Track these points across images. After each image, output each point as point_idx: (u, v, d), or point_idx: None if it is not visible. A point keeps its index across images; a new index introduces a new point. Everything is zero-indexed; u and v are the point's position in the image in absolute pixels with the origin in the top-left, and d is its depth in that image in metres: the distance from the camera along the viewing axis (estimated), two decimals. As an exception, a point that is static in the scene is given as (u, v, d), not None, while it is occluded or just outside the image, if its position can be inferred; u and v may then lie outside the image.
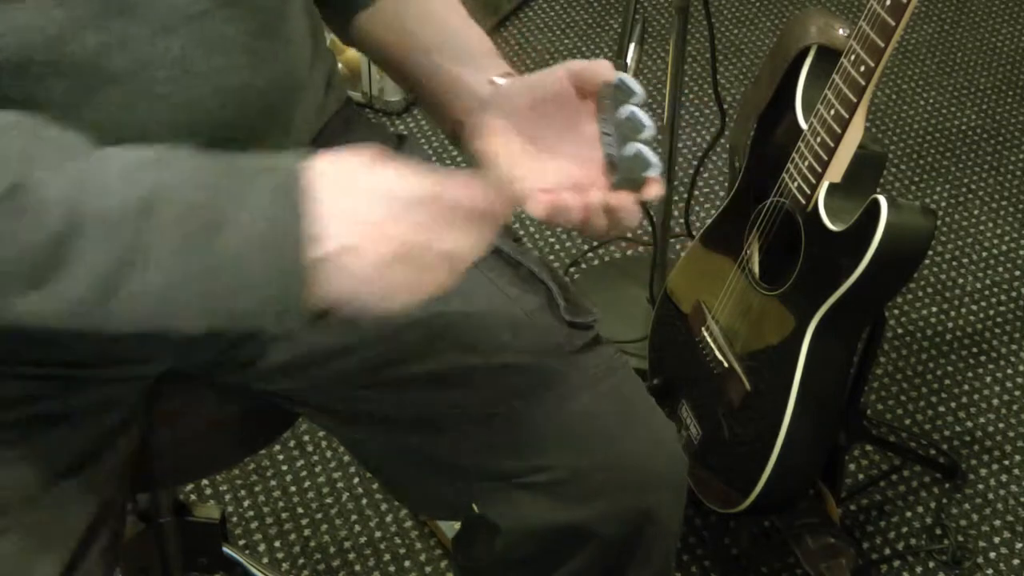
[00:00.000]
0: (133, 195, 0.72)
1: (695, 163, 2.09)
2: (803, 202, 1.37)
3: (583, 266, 2.12)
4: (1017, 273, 2.12)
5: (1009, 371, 1.95)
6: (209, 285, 0.74)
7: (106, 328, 0.76)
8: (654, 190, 0.92)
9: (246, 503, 1.75)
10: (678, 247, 2.08)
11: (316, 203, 0.74)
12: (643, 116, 0.89)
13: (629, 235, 2.17)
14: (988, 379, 1.94)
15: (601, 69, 0.93)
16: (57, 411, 0.95)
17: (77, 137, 0.76)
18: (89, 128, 0.80)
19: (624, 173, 0.90)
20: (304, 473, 1.79)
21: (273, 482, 1.78)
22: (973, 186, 2.29)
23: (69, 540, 0.92)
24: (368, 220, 0.75)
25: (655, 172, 0.90)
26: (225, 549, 1.46)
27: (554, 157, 0.95)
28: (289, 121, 0.96)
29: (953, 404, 1.90)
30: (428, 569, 1.68)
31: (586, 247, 2.14)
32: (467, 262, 0.79)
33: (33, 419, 0.93)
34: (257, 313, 0.75)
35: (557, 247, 2.16)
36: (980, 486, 1.78)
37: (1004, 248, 2.17)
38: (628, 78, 0.91)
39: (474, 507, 1.04)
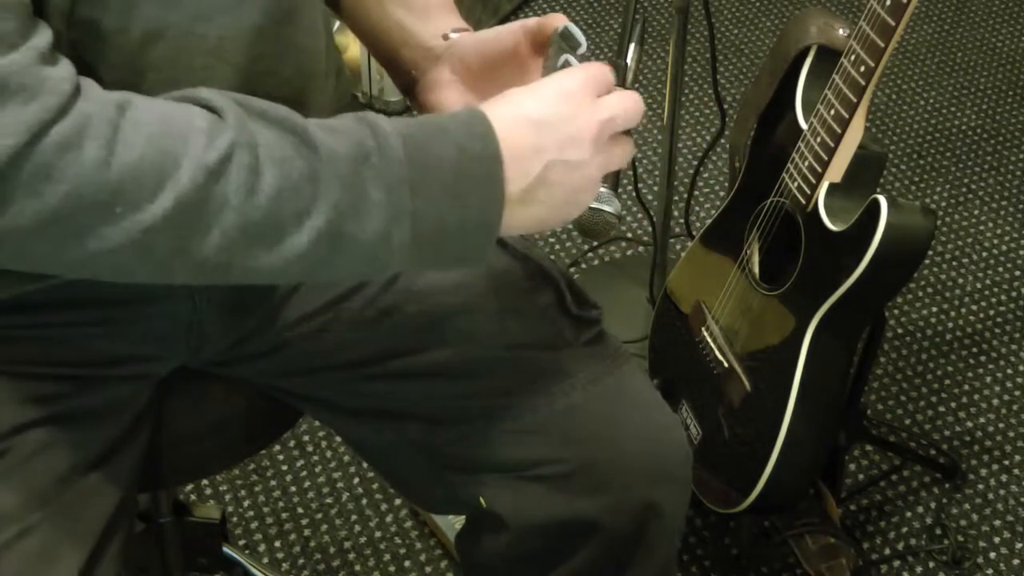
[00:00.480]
0: (353, 148, 0.77)
1: (695, 163, 2.09)
2: (803, 202, 1.37)
3: (583, 266, 2.12)
4: (1017, 273, 2.12)
5: (1009, 371, 1.95)
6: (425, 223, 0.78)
7: (325, 278, 0.81)
8: None
9: (246, 503, 1.75)
10: (678, 247, 2.08)
11: (513, 146, 0.80)
12: (576, 64, 0.91)
13: (629, 235, 2.17)
14: (988, 379, 1.94)
15: (553, 21, 0.95)
16: (72, 411, 0.95)
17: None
18: None
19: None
20: (304, 473, 1.79)
21: (273, 482, 1.78)
22: (973, 186, 2.29)
23: (88, 540, 0.92)
24: (554, 152, 0.82)
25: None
26: (225, 549, 1.46)
27: None
28: (307, 110, 0.97)
29: (953, 404, 1.90)
30: (428, 569, 1.68)
31: (586, 247, 2.14)
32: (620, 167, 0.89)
33: (51, 419, 0.93)
34: (448, 253, 0.81)
35: (557, 247, 2.16)
36: (980, 486, 1.78)
37: (1004, 248, 2.17)
38: (572, 27, 0.93)
39: (481, 501, 1.04)
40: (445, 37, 1.00)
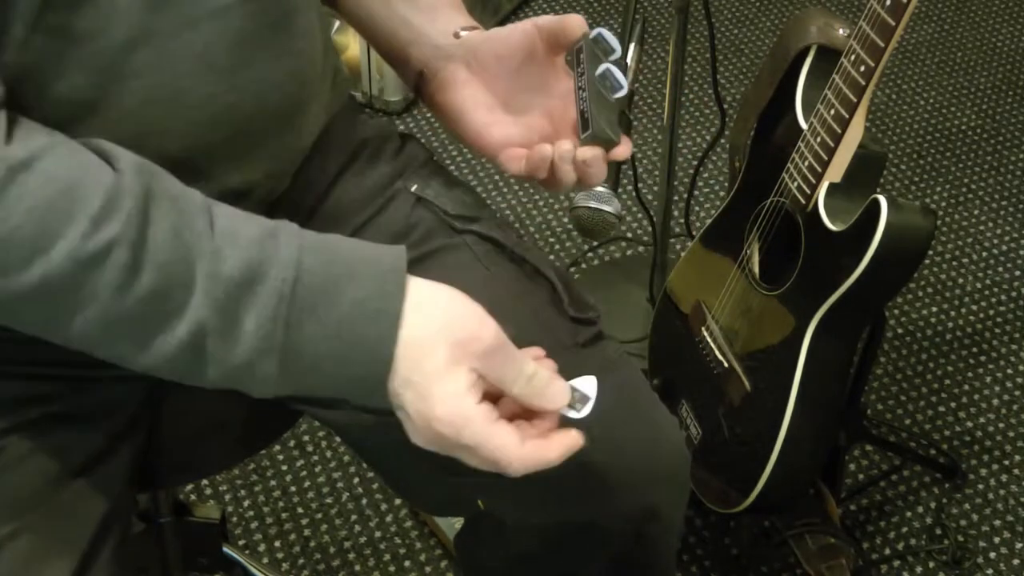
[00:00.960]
0: (241, 268, 0.75)
1: (695, 163, 2.09)
2: (803, 202, 1.37)
3: (583, 266, 2.12)
4: (1017, 273, 2.12)
5: (1009, 371, 1.95)
6: (295, 366, 0.76)
7: (190, 382, 0.78)
8: (623, 150, 0.93)
9: (246, 503, 1.75)
10: (678, 247, 2.08)
11: (401, 345, 0.76)
12: (619, 75, 0.89)
13: (629, 235, 2.17)
14: (988, 379, 1.94)
15: (572, 23, 0.93)
16: (66, 411, 0.95)
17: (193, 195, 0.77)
18: (109, 123, 0.80)
19: (595, 129, 0.91)
20: (304, 473, 1.79)
21: (273, 482, 1.78)
22: (973, 186, 2.29)
23: (80, 542, 0.92)
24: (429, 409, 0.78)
25: (623, 94, 0.91)
26: (225, 549, 1.46)
27: (521, 111, 0.95)
28: (302, 115, 0.97)
29: (953, 404, 1.90)
30: (428, 569, 1.68)
31: (586, 247, 2.14)
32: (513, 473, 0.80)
33: (43, 419, 0.93)
34: (328, 388, 0.78)
35: (557, 247, 2.16)
36: (980, 486, 1.78)
37: (1004, 248, 2.17)
38: (607, 32, 0.91)
39: (480, 503, 1.04)
40: (456, 35, 0.99)
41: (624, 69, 0.91)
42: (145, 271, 0.73)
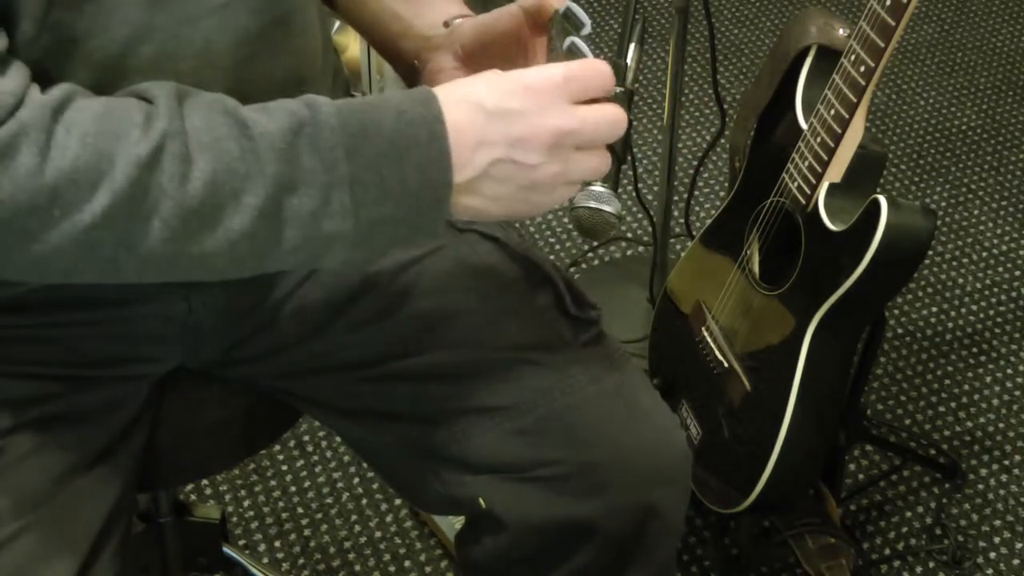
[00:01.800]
0: (286, 122, 0.77)
1: (695, 163, 2.09)
2: (803, 202, 1.37)
3: (583, 266, 2.12)
4: (1017, 273, 2.12)
5: (1009, 371, 1.95)
6: (358, 194, 0.77)
7: (266, 264, 0.79)
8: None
9: (246, 503, 1.75)
10: (678, 247, 2.08)
11: (458, 130, 0.78)
12: (584, 47, 0.90)
13: (629, 235, 2.17)
14: (988, 379, 1.94)
15: (552, 1, 0.93)
16: (68, 411, 0.95)
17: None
18: None
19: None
20: (304, 473, 1.79)
21: (273, 482, 1.78)
22: (973, 186, 2.29)
23: (82, 542, 0.92)
24: (502, 148, 0.79)
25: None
26: (225, 549, 1.47)
27: None
28: None
29: (953, 404, 1.90)
30: (428, 569, 1.68)
31: (586, 247, 2.14)
32: (585, 180, 0.86)
33: (45, 419, 0.93)
34: (399, 220, 0.79)
35: (557, 247, 2.16)
36: (980, 486, 1.78)
37: (1004, 248, 2.17)
38: (574, 7, 0.92)
39: (481, 502, 1.04)
40: (446, 24, 0.99)
41: (589, 44, 0.91)
42: (198, 155, 0.75)
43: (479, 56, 0.97)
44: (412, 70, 1.02)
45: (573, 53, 0.90)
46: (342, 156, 0.77)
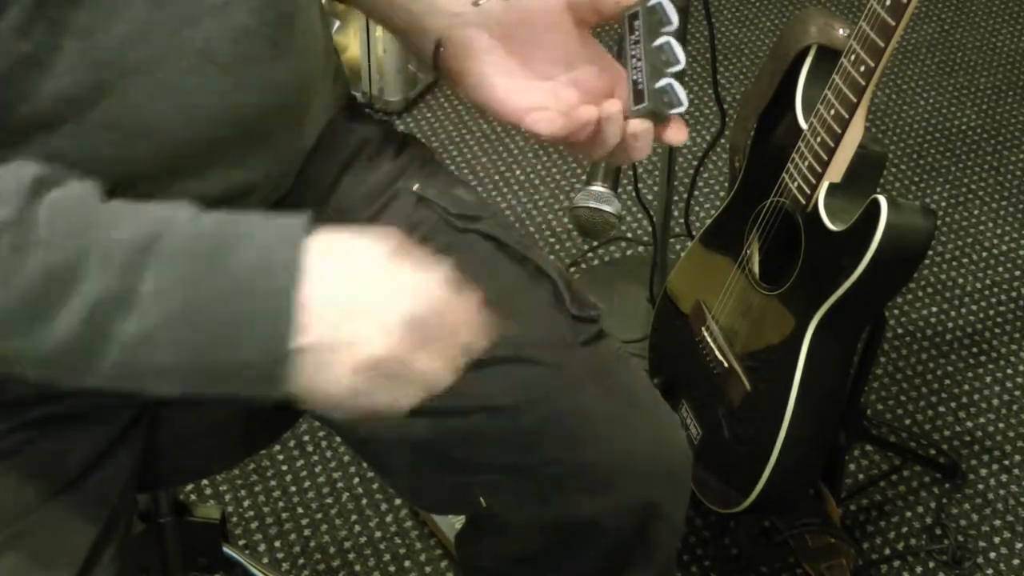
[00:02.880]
0: (138, 234, 0.72)
1: (695, 163, 2.09)
2: (803, 202, 1.37)
3: (583, 266, 2.12)
4: (1017, 273, 2.12)
5: (1009, 371, 1.95)
6: (193, 335, 0.72)
7: (83, 380, 0.74)
8: (676, 132, 0.88)
9: (246, 503, 1.75)
10: (678, 247, 2.08)
11: (313, 286, 0.72)
12: (678, 49, 0.85)
13: (629, 235, 2.17)
14: (988, 379, 1.94)
15: None
16: (67, 413, 0.95)
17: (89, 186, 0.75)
18: (109, 118, 0.80)
19: (651, 105, 0.86)
20: (304, 473, 1.79)
21: (273, 482, 1.78)
22: (973, 186, 2.29)
23: (83, 543, 0.92)
24: (357, 325, 0.73)
25: (681, 110, 0.86)
26: (225, 549, 1.46)
27: (544, 79, 0.92)
28: (303, 113, 0.96)
29: (953, 404, 1.90)
30: (428, 569, 1.68)
31: (586, 247, 2.15)
32: (442, 385, 0.78)
33: (45, 419, 0.93)
34: (234, 375, 0.74)
35: (557, 247, 2.16)
36: (980, 486, 1.78)
37: (1004, 248, 2.17)
38: (666, 2, 0.86)
39: (481, 501, 1.04)
40: (475, 3, 0.95)
41: (682, 42, 0.86)
42: (32, 249, 0.70)
43: (517, 35, 0.93)
44: (437, 47, 0.97)
45: (663, 51, 0.86)
46: (179, 286, 0.72)
